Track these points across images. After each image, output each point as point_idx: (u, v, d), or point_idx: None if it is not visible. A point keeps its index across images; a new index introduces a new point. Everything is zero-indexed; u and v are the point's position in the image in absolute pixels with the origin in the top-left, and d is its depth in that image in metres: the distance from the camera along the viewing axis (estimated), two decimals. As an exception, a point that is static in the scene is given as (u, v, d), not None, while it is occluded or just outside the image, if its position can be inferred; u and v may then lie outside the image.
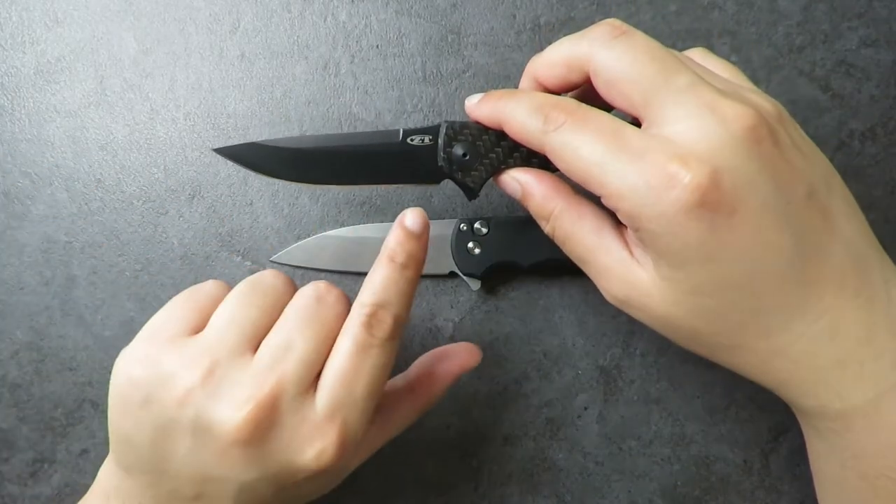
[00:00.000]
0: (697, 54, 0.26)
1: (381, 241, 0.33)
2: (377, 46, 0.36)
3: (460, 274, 0.33)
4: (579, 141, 0.23)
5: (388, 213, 0.35)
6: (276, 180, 0.30)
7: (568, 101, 0.24)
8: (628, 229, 0.24)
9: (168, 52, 0.36)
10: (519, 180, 0.26)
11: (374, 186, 0.35)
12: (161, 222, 0.35)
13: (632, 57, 0.23)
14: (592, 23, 0.35)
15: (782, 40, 0.35)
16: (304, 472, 0.24)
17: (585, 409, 0.34)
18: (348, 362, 0.24)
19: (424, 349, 0.34)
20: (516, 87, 0.35)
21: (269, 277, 0.27)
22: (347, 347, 0.25)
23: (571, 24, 0.35)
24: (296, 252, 0.34)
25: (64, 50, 0.36)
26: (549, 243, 0.32)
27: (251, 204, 0.35)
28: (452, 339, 0.34)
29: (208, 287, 0.27)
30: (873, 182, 0.34)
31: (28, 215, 0.35)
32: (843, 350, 0.23)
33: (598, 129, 0.23)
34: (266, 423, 0.23)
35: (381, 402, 0.27)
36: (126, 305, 0.34)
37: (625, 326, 0.34)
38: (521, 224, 0.33)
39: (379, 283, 0.25)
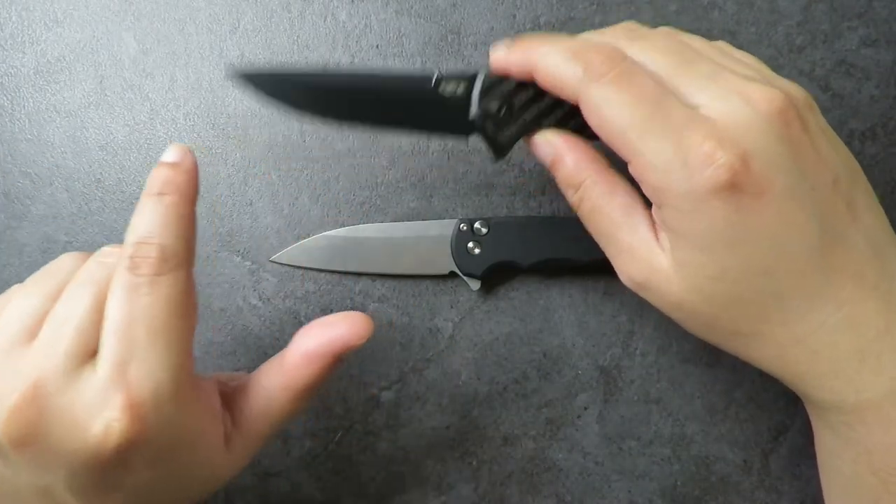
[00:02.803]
0: (718, 48, 0.26)
1: (381, 241, 0.34)
2: (377, 46, 0.36)
3: (460, 274, 0.33)
4: (620, 100, 0.22)
5: (388, 213, 0.35)
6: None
7: (611, 49, 0.23)
8: (653, 210, 0.23)
9: (168, 52, 0.36)
10: (553, 143, 0.25)
11: (375, 184, 0.35)
12: (161, 222, 0.35)
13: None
14: (592, 24, 0.35)
15: (782, 40, 0.35)
16: (104, 455, 0.21)
17: (585, 409, 0.34)
18: (119, 312, 0.21)
19: (424, 349, 0.34)
20: (516, 87, 0.35)
21: (59, 260, 0.25)
22: (116, 296, 0.22)
23: (571, 24, 0.35)
24: (296, 252, 0.34)
25: (64, 50, 0.36)
26: (549, 243, 0.33)
27: (251, 204, 0.35)
28: (452, 339, 0.34)
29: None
30: (873, 182, 0.34)
31: (28, 215, 0.35)
32: (862, 341, 0.22)
33: (642, 92, 0.22)
34: (34, 414, 0.20)
35: (252, 385, 0.25)
36: (126, 305, 0.35)
37: (625, 326, 0.34)
38: (521, 224, 0.33)
39: (138, 219, 0.23)
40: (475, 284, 0.33)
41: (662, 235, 0.23)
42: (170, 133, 0.35)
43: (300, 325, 0.34)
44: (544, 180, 0.34)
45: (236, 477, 0.26)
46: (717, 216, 0.21)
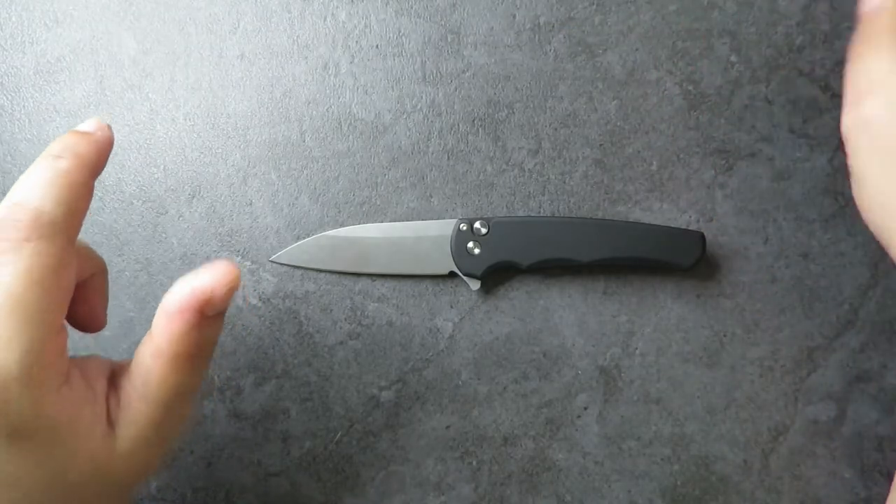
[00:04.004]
0: None
1: (381, 241, 0.34)
2: (377, 46, 0.36)
3: (460, 274, 0.33)
4: None
5: (388, 213, 0.35)
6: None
7: None
8: None
9: (168, 52, 0.36)
10: None
11: (375, 184, 0.35)
12: (161, 222, 0.35)
13: None
14: (592, 24, 0.35)
15: (782, 40, 0.35)
16: None
17: (585, 409, 0.34)
18: None
19: (424, 349, 0.34)
20: (515, 87, 0.35)
21: None
22: None
23: (571, 24, 0.35)
24: (296, 252, 0.34)
25: (64, 50, 0.36)
26: (549, 243, 0.33)
27: (251, 204, 0.35)
28: (452, 339, 0.34)
29: None
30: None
31: (28, 215, 0.35)
32: None
33: None
34: None
35: (133, 361, 0.22)
36: (126, 305, 0.35)
37: (625, 326, 0.34)
38: (521, 224, 0.33)
39: (22, 179, 0.21)
40: (475, 284, 0.33)
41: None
42: (170, 133, 0.35)
43: (300, 325, 0.34)
44: (544, 180, 0.34)
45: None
46: None
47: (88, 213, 0.35)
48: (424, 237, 0.33)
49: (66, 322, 0.22)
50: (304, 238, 0.34)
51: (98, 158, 0.22)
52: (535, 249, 0.32)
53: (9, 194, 0.21)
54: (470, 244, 0.33)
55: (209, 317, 0.23)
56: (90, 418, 0.22)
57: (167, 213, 0.35)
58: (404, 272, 0.34)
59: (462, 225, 0.33)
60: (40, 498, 0.21)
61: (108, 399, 0.22)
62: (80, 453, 0.21)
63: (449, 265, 0.33)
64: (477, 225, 0.33)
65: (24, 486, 0.20)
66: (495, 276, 0.34)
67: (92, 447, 0.21)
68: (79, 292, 0.23)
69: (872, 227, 0.25)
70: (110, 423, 0.22)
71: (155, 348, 0.22)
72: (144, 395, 0.22)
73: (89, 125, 0.23)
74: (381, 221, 0.35)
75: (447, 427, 0.34)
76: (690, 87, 0.35)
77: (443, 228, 0.33)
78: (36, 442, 0.20)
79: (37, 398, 0.20)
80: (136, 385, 0.23)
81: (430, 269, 0.33)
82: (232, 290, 0.22)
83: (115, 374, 0.24)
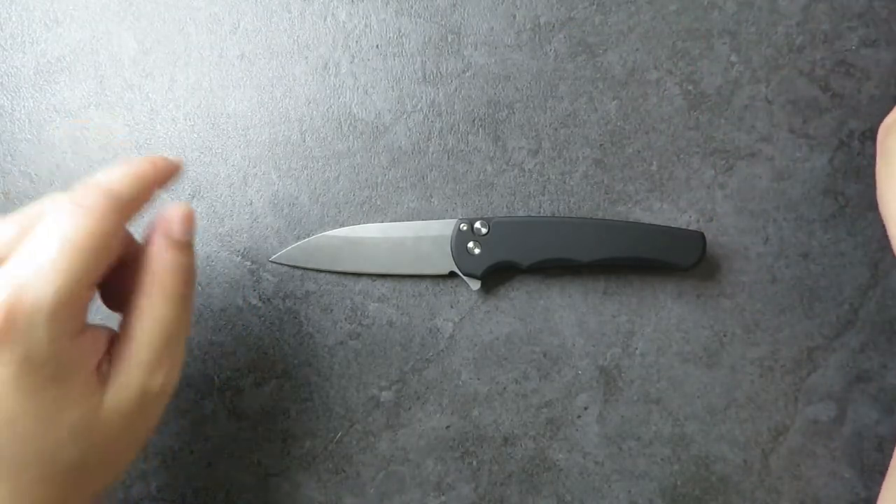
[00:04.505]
0: None
1: (381, 241, 0.34)
2: (377, 46, 0.36)
3: (460, 274, 0.33)
4: None
5: (388, 213, 0.35)
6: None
7: None
8: None
9: (168, 52, 0.36)
10: None
11: (375, 184, 0.35)
12: (161, 222, 0.35)
13: None
14: (592, 24, 0.35)
15: (782, 40, 0.35)
16: None
17: (585, 409, 0.34)
18: (41, 226, 0.23)
19: (424, 349, 0.34)
20: (515, 87, 0.35)
21: (45, 201, 0.25)
22: (48, 212, 0.23)
23: (571, 24, 0.35)
24: (296, 252, 0.34)
25: (64, 50, 0.36)
26: (549, 243, 0.33)
27: (251, 204, 0.35)
28: (452, 339, 0.34)
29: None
30: (873, 182, 0.34)
31: (28, 215, 0.35)
32: None
33: None
34: None
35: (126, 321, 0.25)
36: (126, 305, 0.35)
37: (625, 326, 0.34)
38: (521, 224, 0.33)
39: (113, 171, 0.25)
40: (475, 284, 0.33)
41: None
42: (170, 133, 0.35)
43: (300, 325, 0.34)
44: (544, 180, 0.34)
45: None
46: None
47: (88, 213, 0.35)
48: (424, 237, 0.33)
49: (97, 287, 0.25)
50: (304, 238, 0.34)
51: (169, 175, 0.27)
52: (535, 249, 0.32)
53: (95, 177, 0.25)
54: (470, 244, 0.33)
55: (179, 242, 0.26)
56: (88, 372, 0.23)
57: (167, 213, 0.35)
58: (404, 272, 0.34)
59: (462, 225, 0.33)
60: (32, 442, 0.22)
61: (102, 361, 0.24)
62: (73, 401, 0.23)
63: (449, 265, 0.33)
64: (477, 225, 0.33)
65: (20, 424, 0.22)
66: (495, 276, 0.34)
67: (84, 399, 0.23)
68: (113, 272, 0.26)
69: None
70: (101, 381, 0.24)
71: (143, 284, 0.25)
72: (136, 339, 0.25)
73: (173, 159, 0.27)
74: (382, 221, 0.35)
75: (447, 427, 0.34)
76: (690, 87, 0.35)
77: (443, 228, 0.33)
78: (41, 376, 0.22)
79: (55, 335, 0.22)
80: (130, 334, 0.25)
81: (431, 269, 0.33)
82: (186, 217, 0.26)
83: (113, 340, 0.25)
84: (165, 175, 0.27)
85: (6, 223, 0.24)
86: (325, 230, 0.34)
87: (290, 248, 0.34)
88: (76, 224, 0.23)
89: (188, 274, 0.26)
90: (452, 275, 0.33)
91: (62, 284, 0.22)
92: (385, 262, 0.34)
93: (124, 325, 0.25)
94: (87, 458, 0.24)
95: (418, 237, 0.33)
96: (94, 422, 0.23)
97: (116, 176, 0.24)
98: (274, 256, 0.34)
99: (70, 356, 0.23)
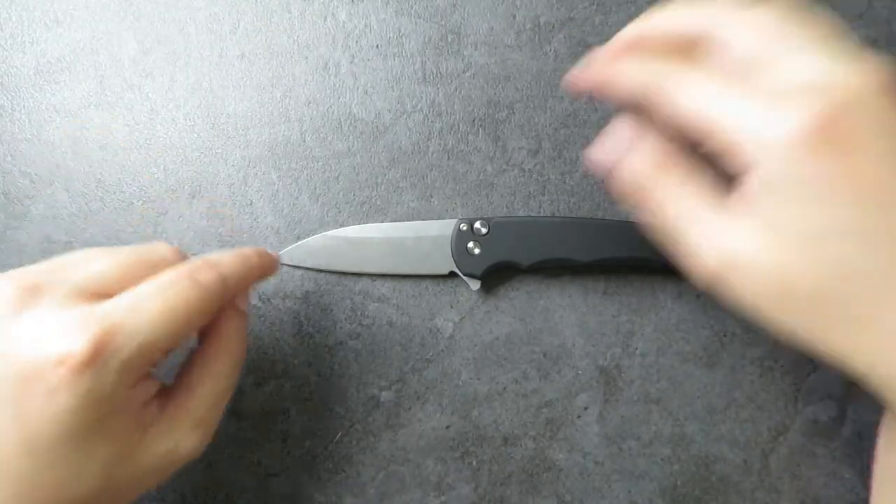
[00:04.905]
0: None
1: (381, 240, 0.34)
2: (377, 46, 0.36)
3: (460, 274, 0.33)
4: (700, 84, 0.22)
5: (387, 213, 0.35)
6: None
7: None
8: (738, 185, 0.22)
9: (168, 52, 0.36)
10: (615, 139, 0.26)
11: (375, 184, 0.35)
12: (161, 222, 0.35)
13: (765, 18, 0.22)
14: (592, 24, 0.35)
15: (782, 40, 0.35)
16: (45, 369, 0.22)
17: (585, 409, 0.34)
18: (153, 282, 0.24)
19: (424, 349, 0.34)
20: (515, 87, 0.35)
21: (157, 247, 0.27)
22: (162, 271, 0.25)
23: (571, 24, 0.35)
24: (296, 252, 0.34)
25: (64, 50, 0.36)
26: (549, 243, 0.33)
27: (251, 204, 0.35)
28: (452, 339, 0.34)
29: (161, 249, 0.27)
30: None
31: (28, 215, 0.35)
32: None
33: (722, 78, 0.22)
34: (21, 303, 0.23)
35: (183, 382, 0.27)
36: (126, 305, 0.34)
37: (625, 326, 0.34)
38: (521, 224, 0.33)
39: (226, 255, 0.27)
40: (475, 284, 0.33)
41: (746, 206, 0.22)
42: (170, 133, 0.35)
43: (300, 325, 0.34)
44: (544, 180, 0.34)
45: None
46: (819, 166, 0.20)
47: (89, 213, 0.35)
48: (424, 237, 0.33)
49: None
50: (304, 238, 0.34)
51: (269, 268, 0.30)
52: (535, 249, 0.32)
53: (211, 256, 0.27)
54: (470, 244, 0.33)
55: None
56: (132, 414, 0.25)
57: (167, 213, 0.35)
58: (404, 272, 0.34)
59: (462, 225, 0.33)
60: (63, 469, 0.23)
61: (147, 406, 0.26)
62: (111, 437, 0.24)
63: (449, 265, 0.33)
64: (477, 225, 0.33)
65: (58, 450, 0.23)
66: (495, 276, 0.34)
67: (120, 437, 0.24)
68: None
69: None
70: (141, 423, 0.25)
71: (211, 345, 0.27)
72: (196, 395, 0.27)
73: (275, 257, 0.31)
74: (382, 221, 0.35)
75: (447, 427, 0.34)
76: (690, 87, 0.35)
77: (443, 228, 0.33)
78: (93, 412, 0.23)
79: (121, 381, 0.23)
80: (191, 388, 0.27)
81: (430, 269, 0.33)
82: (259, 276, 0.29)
83: (161, 391, 0.27)
84: (268, 268, 0.29)
85: (112, 258, 0.26)
86: (325, 230, 0.34)
87: (290, 248, 0.34)
88: (186, 295, 0.24)
89: (245, 341, 0.29)
90: (452, 275, 0.33)
91: (149, 341, 0.23)
92: (385, 262, 0.34)
93: (186, 377, 0.27)
94: (101, 493, 0.24)
95: (418, 237, 0.33)
96: (126, 460, 0.25)
97: (228, 261, 0.27)
98: (274, 256, 0.34)
99: (123, 399, 0.24)
